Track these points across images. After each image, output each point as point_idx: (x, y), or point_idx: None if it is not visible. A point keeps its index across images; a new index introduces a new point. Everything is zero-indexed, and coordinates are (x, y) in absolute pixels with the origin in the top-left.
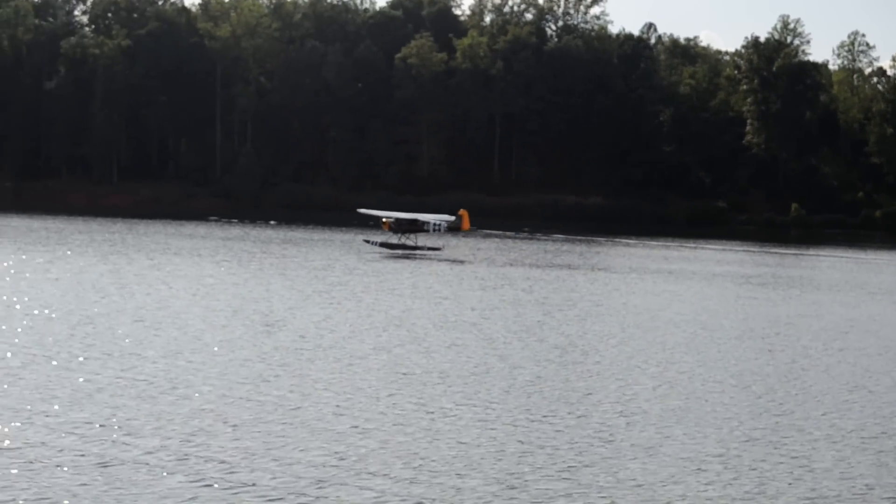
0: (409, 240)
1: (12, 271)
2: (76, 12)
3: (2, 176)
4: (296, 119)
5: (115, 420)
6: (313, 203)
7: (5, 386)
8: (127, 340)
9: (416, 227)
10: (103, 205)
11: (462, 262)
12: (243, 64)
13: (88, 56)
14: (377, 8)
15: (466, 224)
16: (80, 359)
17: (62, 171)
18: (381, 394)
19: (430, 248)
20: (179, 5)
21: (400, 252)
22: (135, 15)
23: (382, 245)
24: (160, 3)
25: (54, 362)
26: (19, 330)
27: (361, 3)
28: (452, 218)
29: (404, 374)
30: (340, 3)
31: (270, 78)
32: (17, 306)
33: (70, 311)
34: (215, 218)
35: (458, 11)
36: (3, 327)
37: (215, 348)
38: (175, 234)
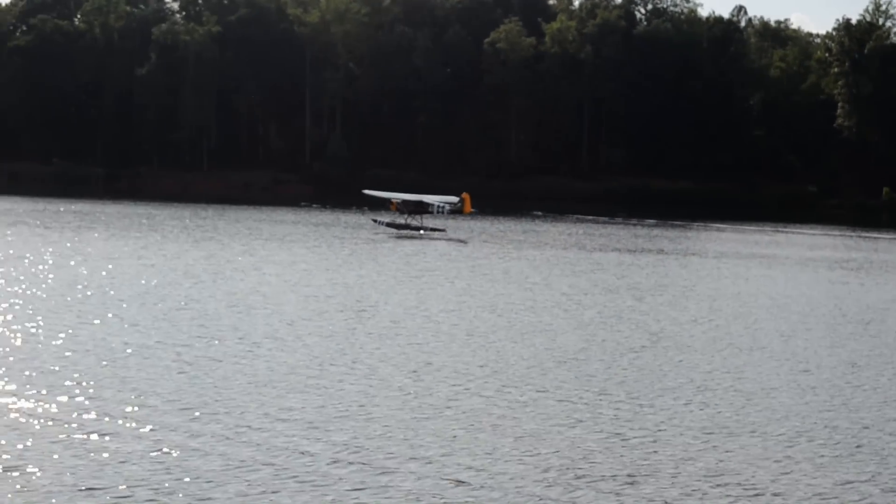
0: (415, 220)
1: (108, 258)
2: None
3: (93, 163)
4: (385, 104)
5: (215, 407)
6: (402, 188)
7: (105, 374)
8: (221, 327)
9: (422, 209)
10: (193, 191)
11: (552, 246)
12: (332, 49)
13: (179, 42)
14: None
15: (468, 207)
16: (176, 346)
17: (153, 158)
18: (477, 380)
19: (434, 230)
20: None
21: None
22: (225, 1)
23: (389, 225)
24: None
25: (150, 350)
26: (114, 316)
27: None
28: (456, 200)
29: (498, 359)
30: None
31: (359, 63)
32: (112, 293)
33: (164, 297)
34: (306, 203)
35: None
36: (98, 313)
37: (310, 334)
38: (266, 219)
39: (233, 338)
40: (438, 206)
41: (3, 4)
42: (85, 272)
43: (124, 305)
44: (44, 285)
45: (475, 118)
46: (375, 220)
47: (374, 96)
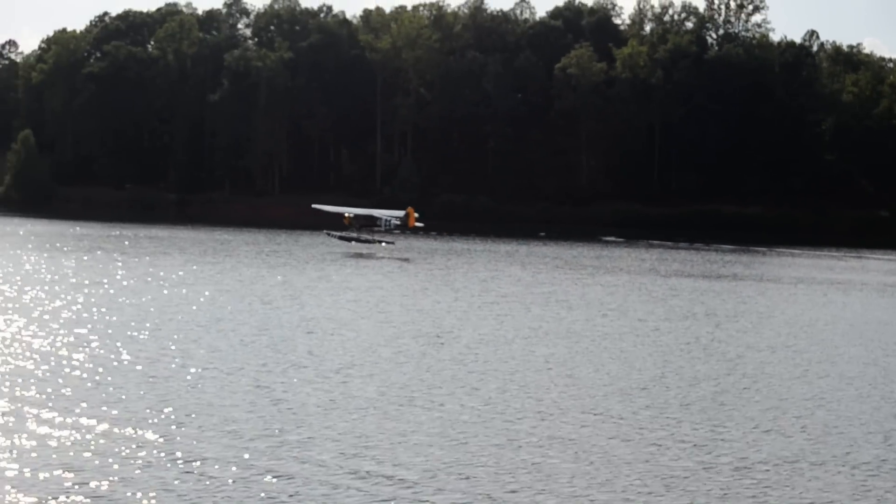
0: (366, 233)
1: (184, 284)
2: (239, 25)
3: (166, 188)
4: (455, 130)
5: (290, 433)
6: (472, 214)
7: (181, 396)
8: (299, 353)
9: (371, 222)
10: (264, 216)
11: (626, 272)
12: (403, 75)
13: (251, 68)
14: (537, 18)
15: (412, 221)
16: (253, 371)
17: (225, 183)
18: (556, 407)
19: (384, 242)
20: (341, 17)
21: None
22: (297, 27)
23: (341, 238)
24: (322, 15)
25: (227, 374)
26: (193, 342)
27: (521, 13)
28: (402, 214)
29: (576, 386)
30: (500, 14)
31: (430, 89)
32: (190, 318)
33: (242, 323)
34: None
35: (617, 21)
36: (178, 338)
37: (388, 361)
38: (338, 244)
39: (311, 365)
40: (386, 220)
41: (78, 31)
42: (162, 298)
43: (202, 331)
44: (122, 311)
45: (545, 143)
46: (329, 234)
47: (445, 122)
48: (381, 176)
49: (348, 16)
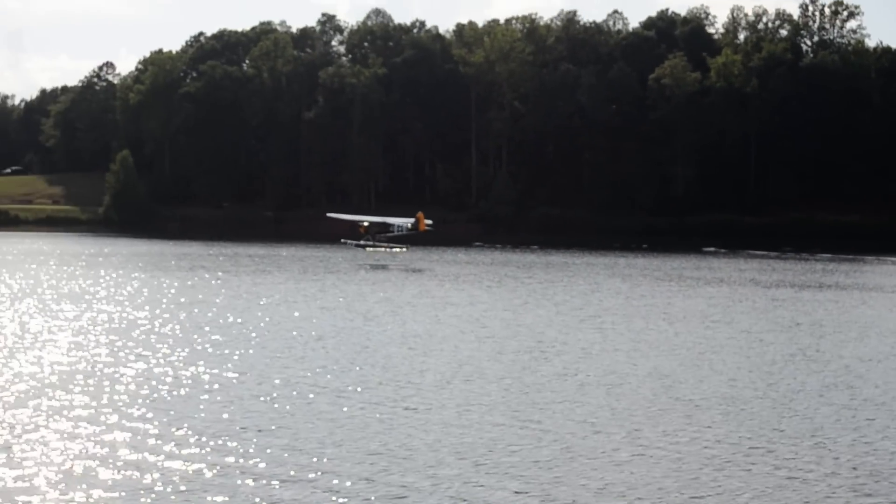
0: (381, 239)
1: (287, 302)
2: (333, 42)
3: (263, 206)
4: (550, 142)
5: (395, 448)
6: (568, 226)
7: (290, 415)
8: (403, 369)
9: (385, 229)
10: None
11: (727, 283)
12: (497, 88)
13: (346, 85)
14: (630, 29)
15: (422, 226)
16: (358, 388)
17: (321, 200)
18: (660, 421)
19: (398, 247)
20: (434, 32)
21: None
22: (390, 43)
23: (358, 245)
24: (415, 31)
25: (333, 392)
26: (301, 360)
27: (614, 24)
28: (412, 220)
29: (678, 399)
30: (593, 25)
31: (524, 102)
32: (296, 335)
33: (347, 340)
34: (479, 244)
35: (711, 29)
36: (281, 357)
37: (490, 376)
38: (438, 259)
39: (415, 380)
40: (398, 227)
41: (174, 52)
42: (266, 316)
43: (309, 349)
44: (227, 330)
45: (640, 154)
46: (345, 241)
47: (539, 134)
48: (477, 190)
49: (441, 30)
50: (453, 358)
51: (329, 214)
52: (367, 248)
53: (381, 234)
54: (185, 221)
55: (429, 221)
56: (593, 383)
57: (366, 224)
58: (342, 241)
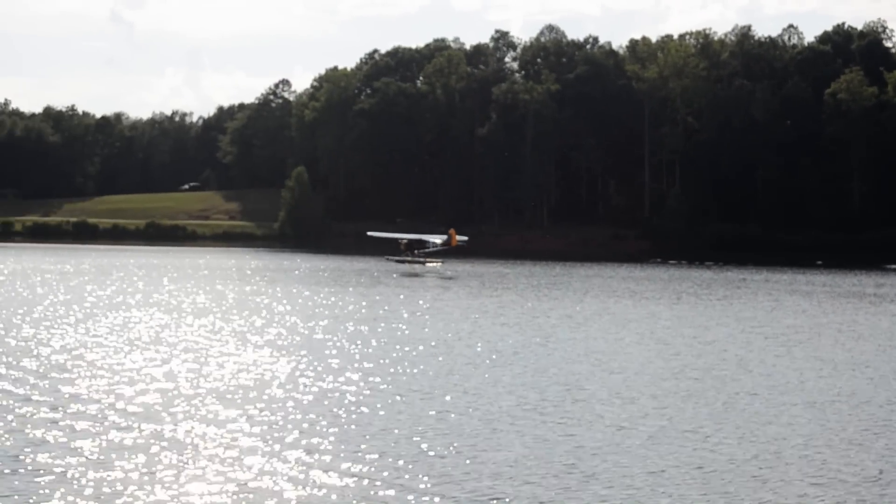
0: (418, 255)
1: (467, 319)
2: (506, 59)
3: (435, 221)
4: (724, 158)
5: (580, 468)
6: (742, 242)
7: (480, 434)
8: (584, 386)
9: (422, 245)
10: (533, 248)
11: None
12: (671, 104)
13: (519, 101)
14: (805, 43)
15: (454, 241)
16: (541, 407)
17: (494, 215)
18: (861, 442)
19: (433, 261)
20: (607, 48)
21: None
22: (563, 59)
23: (399, 261)
24: (588, 46)
25: (525, 414)
26: (487, 379)
27: (789, 38)
28: (446, 237)
29: (879, 421)
30: (768, 40)
31: (698, 117)
32: (476, 350)
33: (531, 359)
34: (657, 260)
35: (888, 43)
36: (468, 376)
37: (674, 395)
38: (613, 275)
39: (607, 401)
40: (433, 243)
41: (349, 69)
42: (449, 332)
43: (494, 367)
44: (408, 344)
45: (816, 170)
46: (388, 258)
47: (713, 150)
48: (650, 206)
49: (615, 46)
50: (638, 376)
51: (369, 233)
52: (407, 263)
53: (419, 251)
54: (359, 237)
55: (463, 238)
56: (783, 403)
57: (405, 241)
58: (387, 258)
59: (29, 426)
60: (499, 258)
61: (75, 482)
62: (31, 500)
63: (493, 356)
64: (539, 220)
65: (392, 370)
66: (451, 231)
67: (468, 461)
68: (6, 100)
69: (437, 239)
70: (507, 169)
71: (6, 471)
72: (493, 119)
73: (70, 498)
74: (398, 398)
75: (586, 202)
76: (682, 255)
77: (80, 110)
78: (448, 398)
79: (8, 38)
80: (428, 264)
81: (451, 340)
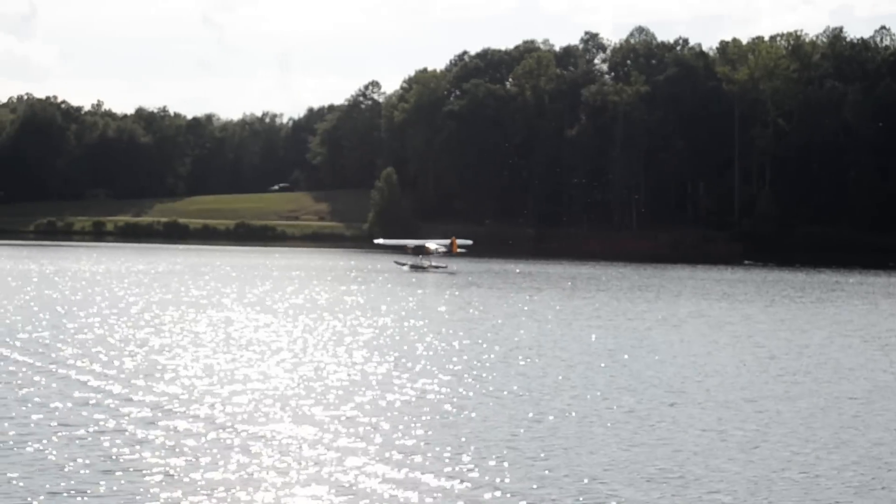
0: (425, 260)
1: (562, 321)
2: (596, 60)
3: (525, 223)
4: (814, 160)
5: (678, 472)
6: (832, 245)
7: (570, 438)
8: (680, 389)
9: (426, 251)
10: (622, 250)
11: None
12: (761, 106)
13: (608, 103)
14: None
15: (455, 248)
16: (637, 410)
17: (582, 217)
18: None
19: (438, 266)
20: (697, 50)
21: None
22: (653, 61)
23: (412, 266)
24: (678, 48)
25: (612, 415)
26: (582, 382)
27: (881, 40)
28: (448, 242)
29: None
30: (860, 42)
31: (788, 119)
32: (568, 354)
33: (627, 362)
34: (749, 262)
35: None
36: (560, 380)
37: (777, 399)
38: (705, 278)
39: (704, 404)
40: (436, 248)
41: (438, 71)
42: (543, 335)
43: (589, 370)
44: (502, 350)
45: None
46: (397, 262)
47: (804, 152)
48: (739, 208)
49: (705, 48)
50: (735, 379)
51: (376, 241)
52: (412, 266)
53: (423, 255)
54: (448, 237)
55: (468, 242)
56: (886, 408)
57: (411, 247)
58: (395, 262)
59: (130, 426)
60: (588, 260)
61: (177, 483)
62: (135, 501)
63: (588, 358)
64: (628, 221)
65: (486, 372)
66: (453, 238)
67: (565, 464)
68: (99, 101)
69: (440, 244)
70: (595, 171)
71: (108, 471)
72: (582, 121)
73: (174, 497)
74: (494, 400)
75: (675, 204)
76: (773, 258)
77: (171, 111)
78: (544, 400)
79: (101, 40)
80: (436, 266)
81: (545, 342)
